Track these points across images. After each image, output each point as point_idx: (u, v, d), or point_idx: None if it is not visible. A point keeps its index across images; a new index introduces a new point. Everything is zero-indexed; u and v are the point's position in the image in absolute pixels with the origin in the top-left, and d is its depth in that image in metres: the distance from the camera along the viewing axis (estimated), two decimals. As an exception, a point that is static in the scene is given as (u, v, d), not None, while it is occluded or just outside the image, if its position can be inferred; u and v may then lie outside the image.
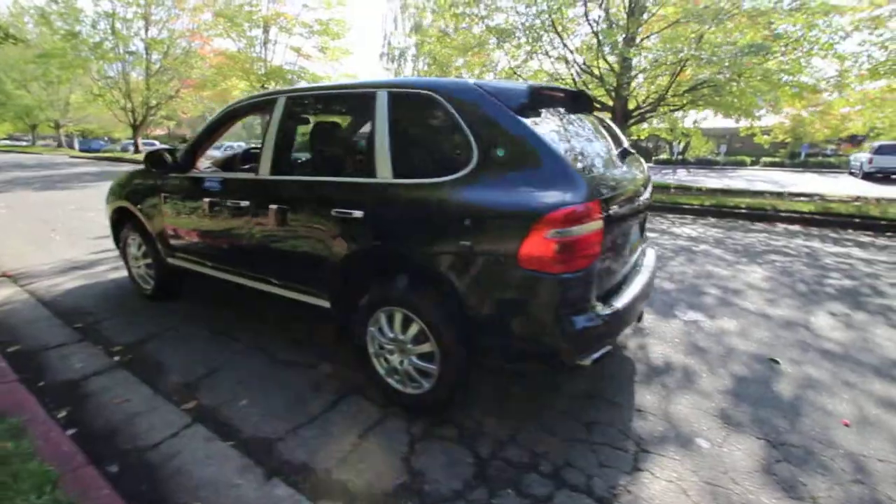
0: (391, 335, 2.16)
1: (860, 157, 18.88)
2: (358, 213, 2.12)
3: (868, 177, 17.60)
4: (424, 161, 2.05)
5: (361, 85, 2.31)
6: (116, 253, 4.47)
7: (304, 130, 2.80)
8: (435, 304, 2.00)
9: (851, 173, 19.96)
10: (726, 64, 8.95)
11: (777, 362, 2.78)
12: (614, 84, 10.58)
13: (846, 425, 2.19)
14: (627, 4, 10.09)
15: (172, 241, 3.23)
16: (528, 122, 1.85)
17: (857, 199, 10.14)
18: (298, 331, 3.10)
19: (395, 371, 2.20)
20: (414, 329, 2.08)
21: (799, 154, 27.82)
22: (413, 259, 2.02)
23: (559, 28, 10.20)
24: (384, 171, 2.10)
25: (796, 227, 7.48)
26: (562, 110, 2.19)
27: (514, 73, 11.49)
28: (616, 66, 10.52)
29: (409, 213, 2.01)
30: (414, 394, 2.17)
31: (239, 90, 20.30)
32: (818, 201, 9.53)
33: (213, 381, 2.48)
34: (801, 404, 2.36)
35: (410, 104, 2.10)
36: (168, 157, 3.01)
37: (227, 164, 3.53)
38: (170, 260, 3.31)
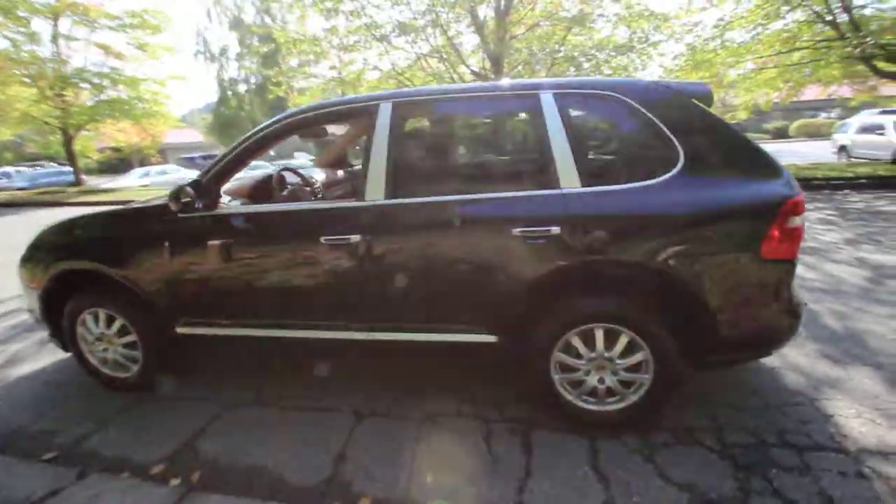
0: (590, 354, 2.02)
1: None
2: (554, 229, 1.89)
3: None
4: (615, 166, 1.95)
5: (512, 87, 2.05)
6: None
7: (430, 141, 2.35)
8: (650, 312, 1.93)
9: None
10: (583, 60, 10.40)
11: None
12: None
13: None
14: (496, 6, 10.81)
15: (188, 304, 2.42)
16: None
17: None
18: (402, 380, 2.63)
19: (589, 390, 2.06)
20: (623, 342, 1.98)
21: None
22: (628, 269, 1.90)
23: (444, 26, 10.40)
24: (569, 180, 1.92)
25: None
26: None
27: (398, 73, 11.35)
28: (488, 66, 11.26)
29: (622, 222, 1.89)
30: (614, 409, 2.06)
31: (25, 101, 15.67)
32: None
33: (372, 472, 1.95)
34: None
35: (587, 106, 1.96)
36: (191, 192, 2.22)
37: (256, 193, 2.74)
38: (181, 330, 2.47)
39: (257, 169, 7.42)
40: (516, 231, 1.92)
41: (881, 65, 9.36)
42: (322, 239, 2.12)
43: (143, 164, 24.67)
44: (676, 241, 1.85)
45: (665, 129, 1.88)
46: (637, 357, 1.99)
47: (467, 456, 1.99)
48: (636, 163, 1.94)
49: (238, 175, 2.50)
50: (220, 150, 21.53)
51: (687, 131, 1.87)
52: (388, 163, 2.07)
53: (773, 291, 1.87)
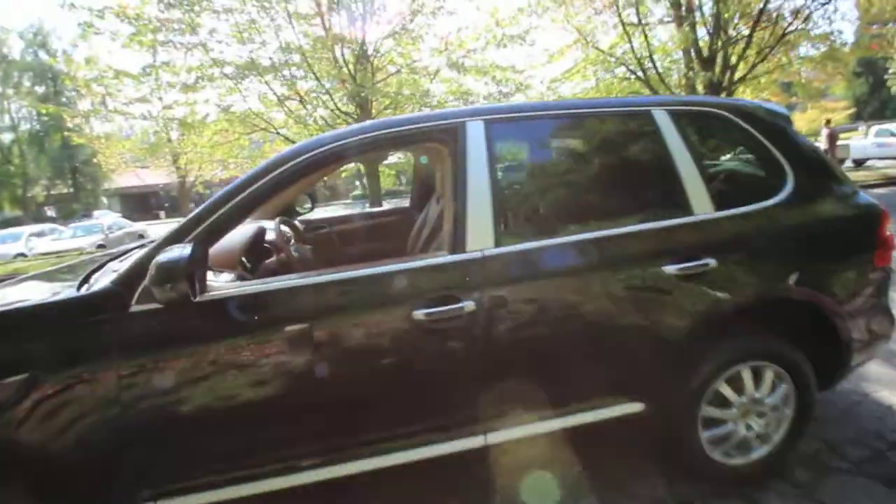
0: (740, 399, 1.77)
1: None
2: (711, 262, 1.61)
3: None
4: (734, 187, 1.79)
5: (620, 103, 1.75)
6: None
7: (536, 167, 1.76)
8: (790, 339, 1.78)
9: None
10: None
11: None
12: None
13: None
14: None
15: (156, 463, 1.42)
16: None
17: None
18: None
19: (737, 442, 1.81)
20: (769, 378, 1.78)
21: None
22: (773, 296, 1.73)
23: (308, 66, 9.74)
24: (702, 205, 1.69)
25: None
26: None
27: (255, 114, 10.18)
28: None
29: (762, 246, 1.72)
30: (760, 455, 1.84)
31: None
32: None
33: None
34: None
35: (699, 124, 1.78)
36: (187, 265, 1.31)
37: (252, 261, 1.76)
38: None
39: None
40: (670, 269, 1.59)
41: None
42: (418, 314, 1.44)
43: None
44: (809, 261, 1.77)
45: (773, 148, 1.81)
46: (781, 391, 1.81)
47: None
48: (751, 183, 1.83)
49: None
50: None
51: (789, 149, 1.83)
52: (494, 199, 1.54)
53: (885, 299, 1.91)
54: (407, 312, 1.45)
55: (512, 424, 1.59)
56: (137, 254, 1.56)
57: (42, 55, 25.67)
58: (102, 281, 1.49)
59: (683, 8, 9.59)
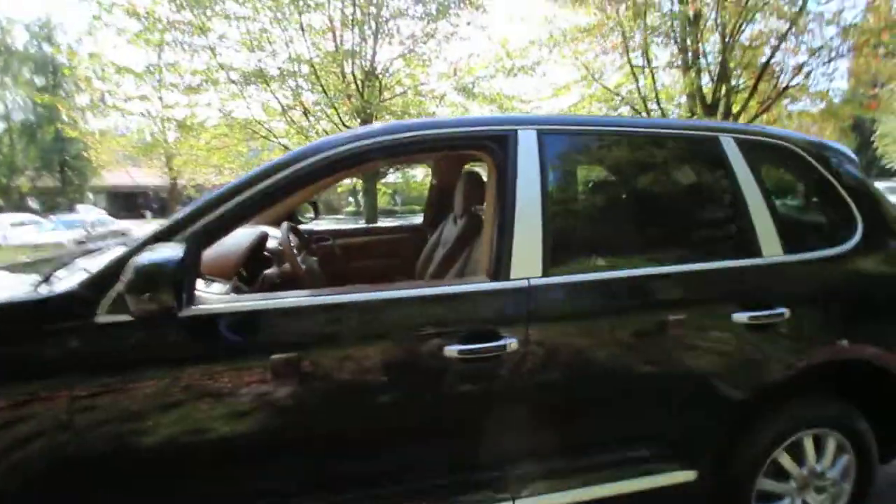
0: (800, 471, 1.55)
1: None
2: (784, 311, 1.42)
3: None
4: (803, 230, 1.62)
5: (686, 126, 1.58)
6: None
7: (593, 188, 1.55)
8: (854, 405, 1.59)
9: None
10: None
11: None
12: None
13: None
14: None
15: None
16: None
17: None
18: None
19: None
20: (831, 448, 1.57)
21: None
22: (851, 358, 1.54)
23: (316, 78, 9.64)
24: (771, 246, 1.50)
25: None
26: None
27: (257, 122, 10.01)
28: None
29: (834, 296, 1.54)
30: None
31: None
32: None
33: None
34: None
35: (767, 157, 1.62)
36: (174, 270, 1.06)
37: (252, 271, 1.51)
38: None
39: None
40: (740, 317, 1.39)
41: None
42: (450, 350, 1.21)
43: None
44: (881, 316, 1.59)
45: (841, 189, 1.65)
46: (843, 463, 1.61)
47: None
48: (819, 227, 1.66)
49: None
50: None
51: (859, 195, 1.67)
52: (545, 220, 1.33)
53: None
54: (437, 348, 1.22)
55: (547, 489, 1.34)
56: (115, 251, 1.31)
57: (46, 48, 25.41)
58: (67, 281, 1.23)
59: (690, 53, 9.79)
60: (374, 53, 10.05)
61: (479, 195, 2.51)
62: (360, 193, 18.01)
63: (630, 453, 1.42)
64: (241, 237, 1.89)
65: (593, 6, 9.46)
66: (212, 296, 1.27)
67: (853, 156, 1.79)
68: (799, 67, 9.31)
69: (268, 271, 1.93)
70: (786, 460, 1.54)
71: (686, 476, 1.45)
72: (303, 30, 9.26)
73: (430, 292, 1.29)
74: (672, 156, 1.60)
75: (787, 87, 9.53)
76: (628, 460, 1.41)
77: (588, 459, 1.36)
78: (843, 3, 8.53)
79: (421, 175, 12.86)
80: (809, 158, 1.64)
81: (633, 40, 9.72)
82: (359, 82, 10.15)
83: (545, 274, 1.31)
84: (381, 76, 10.56)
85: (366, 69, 10.38)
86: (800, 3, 8.38)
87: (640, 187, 1.61)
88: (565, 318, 1.32)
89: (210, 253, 1.47)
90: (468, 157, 2.90)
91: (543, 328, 1.29)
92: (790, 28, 8.55)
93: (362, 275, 2.72)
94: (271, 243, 2.09)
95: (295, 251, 1.84)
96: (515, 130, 1.38)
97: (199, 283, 1.32)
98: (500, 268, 1.31)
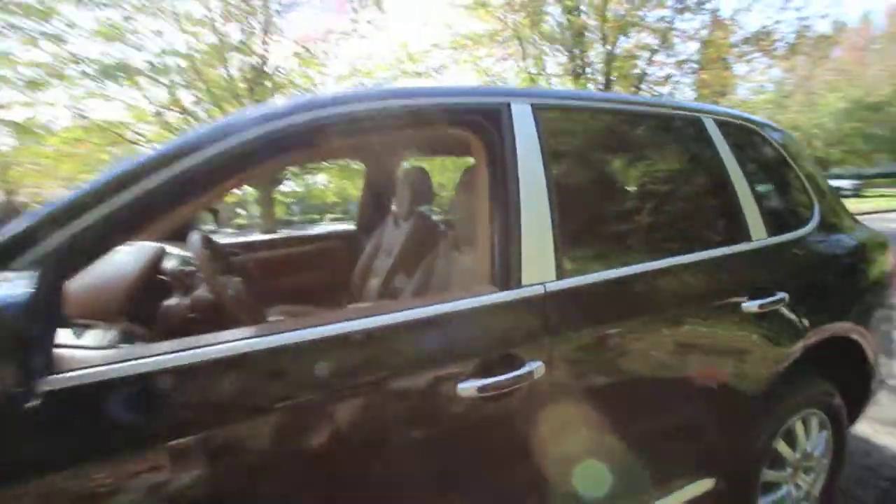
0: (794, 456, 1.54)
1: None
2: (784, 295, 1.36)
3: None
4: (778, 212, 1.61)
5: (673, 106, 1.46)
6: None
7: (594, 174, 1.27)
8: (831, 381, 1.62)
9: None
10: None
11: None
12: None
13: None
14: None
15: None
16: None
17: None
18: None
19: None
20: (815, 428, 1.59)
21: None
22: (840, 335, 1.56)
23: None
24: (757, 230, 1.46)
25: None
26: None
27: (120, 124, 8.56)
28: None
29: (822, 278, 1.58)
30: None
31: None
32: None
33: None
34: None
35: (741, 140, 1.58)
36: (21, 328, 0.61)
37: (149, 302, 0.98)
38: None
39: None
40: (750, 306, 1.30)
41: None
42: (465, 388, 0.92)
43: None
44: (854, 291, 1.65)
45: (800, 172, 1.69)
46: (823, 440, 1.64)
47: None
48: (787, 209, 1.67)
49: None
50: None
51: (809, 175, 1.73)
52: (554, 214, 1.10)
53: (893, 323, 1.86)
54: (449, 387, 0.92)
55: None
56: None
57: None
58: None
59: (579, 62, 10.54)
60: (266, 49, 9.18)
61: (426, 193, 2.24)
62: (252, 204, 16.44)
63: (666, 470, 1.26)
64: (127, 256, 1.39)
65: (492, 15, 9.70)
66: (88, 353, 0.80)
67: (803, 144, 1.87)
68: (667, 77, 10.56)
69: (168, 302, 1.42)
70: (783, 447, 1.51)
71: (706, 485, 1.34)
72: (177, 20, 8.11)
73: (420, 314, 0.97)
74: (667, 135, 1.48)
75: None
76: (664, 478, 1.25)
77: (623, 488, 1.16)
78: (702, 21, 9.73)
79: (323, 180, 12.11)
80: (773, 141, 1.66)
81: (529, 49, 10.18)
82: (247, 81, 9.21)
83: (560, 276, 1.09)
84: (273, 75, 9.72)
85: (257, 67, 9.47)
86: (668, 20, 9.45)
87: (639, 170, 1.48)
88: (590, 326, 1.10)
89: (83, 283, 1.01)
90: (407, 150, 2.61)
91: (568, 342, 1.06)
92: (662, 42, 9.62)
93: (286, 296, 2.28)
94: (173, 262, 1.58)
95: (215, 271, 1.38)
96: (507, 103, 1.13)
97: (65, 335, 0.86)
98: (507, 274, 1.05)
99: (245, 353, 0.81)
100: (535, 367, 0.99)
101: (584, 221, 1.24)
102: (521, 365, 0.98)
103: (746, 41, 9.46)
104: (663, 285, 1.24)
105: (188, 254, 1.52)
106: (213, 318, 1.22)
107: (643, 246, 1.31)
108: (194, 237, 1.39)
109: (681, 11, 9.35)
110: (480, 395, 0.93)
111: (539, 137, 1.13)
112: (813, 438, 1.59)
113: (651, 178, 1.48)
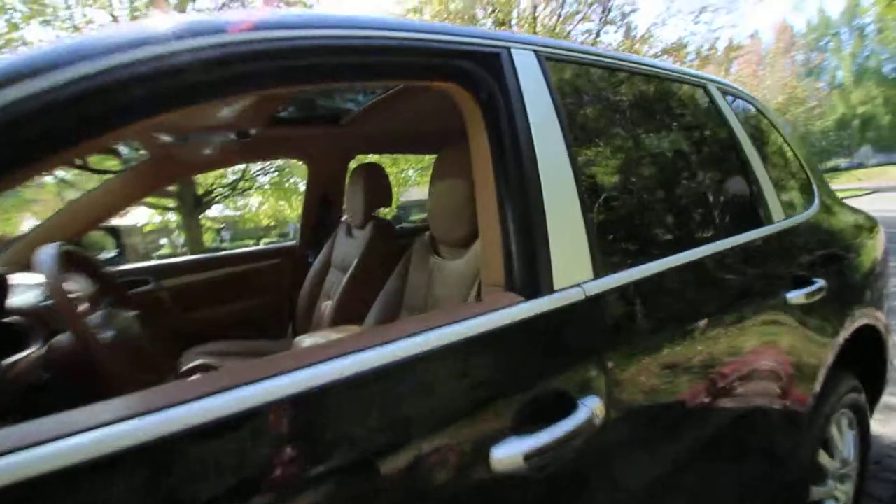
0: (833, 465, 1.36)
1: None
2: (822, 283, 1.17)
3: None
4: (788, 192, 1.45)
5: (680, 72, 1.24)
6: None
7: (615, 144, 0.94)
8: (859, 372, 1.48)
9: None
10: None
11: None
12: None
13: None
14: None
15: None
16: None
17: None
18: None
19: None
20: (845, 429, 1.43)
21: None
22: (869, 324, 1.40)
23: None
24: (776, 211, 1.28)
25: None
26: None
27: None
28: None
29: (846, 262, 1.43)
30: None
31: None
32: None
33: None
34: None
35: (744, 111, 1.41)
36: None
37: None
38: None
39: None
40: (795, 296, 1.10)
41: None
42: (502, 455, 0.59)
43: None
44: (864, 277, 1.52)
45: (794, 149, 1.57)
46: (851, 440, 1.48)
47: None
48: (794, 187, 1.52)
49: None
50: None
51: (801, 151, 1.61)
52: (581, 193, 0.82)
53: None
54: (478, 457, 0.60)
55: None
56: None
57: None
58: None
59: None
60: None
61: (383, 194, 1.91)
62: (174, 231, 14.98)
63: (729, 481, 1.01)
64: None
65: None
66: None
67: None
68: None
69: (17, 358, 0.91)
70: (823, 457, 1.32)
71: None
72: None
73: (417, 345, 0.62)
74: (680, 102, 1.26)
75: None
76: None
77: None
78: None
79: (255, 204, 11.21)
80: (769, 120, 1.52)
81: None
82: None
83: (598, 274, 0.80)
84: None
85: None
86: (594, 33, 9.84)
87: (677, 143, 1.22)
88: (646, 336, 0.82)
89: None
90: (356, 150, 2.25)
91: (625, 363, 0.77)
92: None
93: (213, 331, 1.85)
94: (26, 297, 1.06)
95: (81, 304, 0.93)
96: (508, 48, 0.84)
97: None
98: (533, 276, 0.74)
99: (112, 455, 0.42)
100: (593, 405, 0.68)
101: (617, 204, 0.96)
102: (572, 409, 0.67)
103: (665, 51, 10.10)
104: (719, 277, 1.00)
105: (69, 274, 1.07)
106: (80, 378, 0.79)
107: (684, 231, 1.07)
108: (45, 254, 0.93)
109: (604, 24, 9.82)
110: (526, 464, 0.61)
111: (551, 95, 0.85)
112: (847, 442, 1.42)
113: (681, 151, 1.24)
